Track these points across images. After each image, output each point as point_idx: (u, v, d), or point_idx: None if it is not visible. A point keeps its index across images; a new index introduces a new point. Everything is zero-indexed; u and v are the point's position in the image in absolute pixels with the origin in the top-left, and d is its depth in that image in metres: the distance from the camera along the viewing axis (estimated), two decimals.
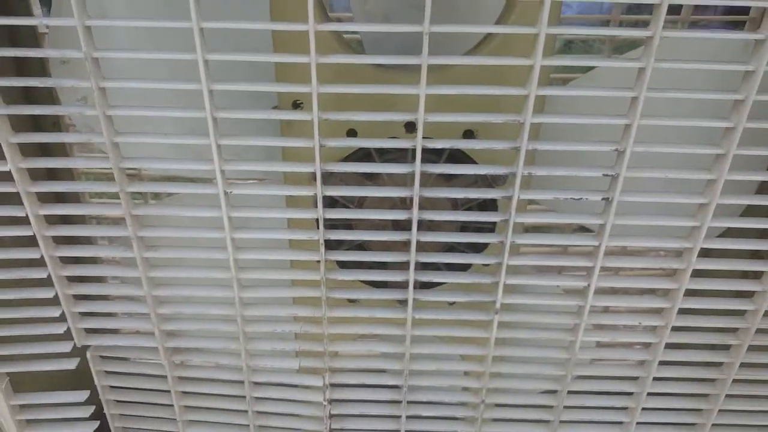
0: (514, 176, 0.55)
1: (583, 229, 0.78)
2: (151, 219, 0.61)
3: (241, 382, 0.72)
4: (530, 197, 0.56)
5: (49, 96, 0.76)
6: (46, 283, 0.63)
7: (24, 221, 0.60)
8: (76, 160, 0.58)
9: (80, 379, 0.89)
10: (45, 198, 0.59)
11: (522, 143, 0.52)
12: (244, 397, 0.74)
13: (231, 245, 0.60)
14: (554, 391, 0.72)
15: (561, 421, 0.74)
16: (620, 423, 0.75)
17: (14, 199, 0.59)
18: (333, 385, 0.72)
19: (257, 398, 0.74)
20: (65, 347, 0.68)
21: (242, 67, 0.51)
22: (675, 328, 0.66)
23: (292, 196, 0.65)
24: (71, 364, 0.70)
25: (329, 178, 0.59)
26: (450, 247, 0.64)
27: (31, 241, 0.61)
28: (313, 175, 0.60)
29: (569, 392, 0.72)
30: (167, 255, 0.61)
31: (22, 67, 0.72)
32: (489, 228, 0.63)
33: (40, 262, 0.62)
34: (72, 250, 0.61)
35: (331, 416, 0.75)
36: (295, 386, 0.75)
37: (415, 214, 0.56)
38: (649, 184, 0.57)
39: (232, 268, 0.61)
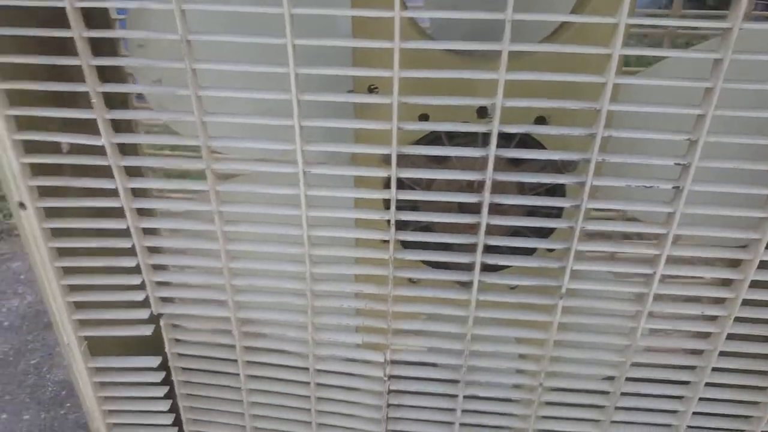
0: (585, 162, 0.56)
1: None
2: (229, 195, 0.64)
3: (305, 356, 0.75)
4: (602, 184, 0.56)
5: (120, 77, 0.79)
6: (130, 252, 0.67)
7: (111, 194, 0.63)
8: (163, 136, 0.61)
9: (147, 346, 0.93)
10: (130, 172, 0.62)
11: (598, 130, 0.53)
12: (307, 369, 0.77)
13: (306, 222, 0.62)
14: (611, 378, 0.74)
15: (617, 408, 0.75)
16: (675, 412, 0.75)
17: (101, 172, 0.63)
18: (394, 362, 0.75)
19: (319, 371, 0.77)
20: (143, 314, 0.72)
21: (310, 52, 0.52)
22: (737, 319, 0.66)
23: (360, 177, 0.66)
24: (148, 330, 0.73)
25: (400, 161, 0.61)
26: (515, 232, 0.66)
27: (118, 213, 0.64)
28: (385, 157, 0.62)
29: (626, 379, 0.73)
30: (245, 229, 0.64)
31: (96, 51, 0.76)
32: (555, 214, 0.64)
33: (125, 233, 0.65)
34: (157, 222, 0.64)
35: (390, 392, 0.77)
36: (356, 361, 0.78)
37: (487, 198, 0.58)
38: (715, 174, 0.57)
39: (305, 243, 0.64)
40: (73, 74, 0.56)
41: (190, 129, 0.66)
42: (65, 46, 0.58)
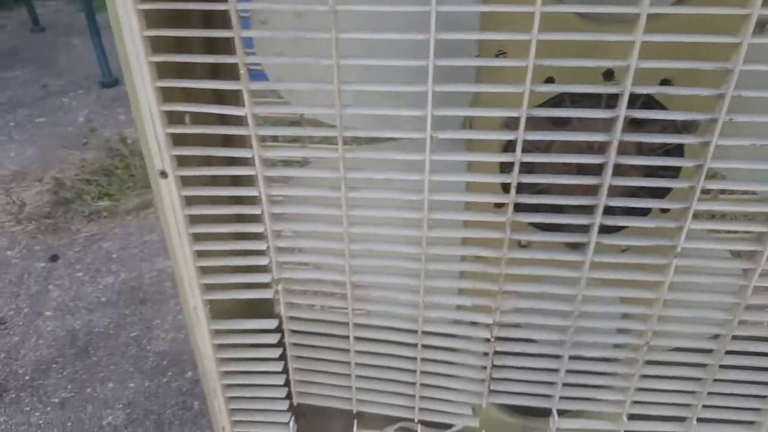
0: (710, 123, 0.58)
1: None
2: (352, 162, 0.67)
3: (414, 318, 0.78)
4: (728, 143, 0.58)
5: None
6: (257, 219, 0.71)
7: (244, 163, 0.67)
8: (297, 107, 0.65)
9: (257, 311, 0.98)
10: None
11: (728, 90, 0.55)
12: (415, 332, 0.80)
13: (427, 187, 0.65)
14: (716, 336, 0.75)
15: (721, 366, 0.77)
16: None
17: (237, 142, 0.67)
18: (501, 324, 0.78)
19: (427, 332, 0.80)
20: (264, 278, 0.76)
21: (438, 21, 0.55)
22: None
23: (475, 142, 0.69)
24: (268, 294, 0.78)
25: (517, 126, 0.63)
26: (630, 194, 0.68)
27: (248, 181, 0.69)
28: (506, 121, 0.64)
29: (732, 337, 0.74)
30: (368, 195, 0.68)
31: (207, 23, 0.80)
32: (672, 175, 0.66)
33: (254, 200, 0.69)
34: (286, 189, 0.68)
35: (496, 353, 0.80)
36: (463, 323, 0.81)
37: (612, 158, 0.60)
38: None
39: (425, 208, 0.67)
40: (218, 48, 0.60)
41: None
42: (208, 20, 0.62)
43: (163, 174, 0.66)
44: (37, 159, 1.95)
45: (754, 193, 0.76)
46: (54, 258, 1.47)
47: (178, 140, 0.66)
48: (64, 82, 2.67)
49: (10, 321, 1.29)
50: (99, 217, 1.61)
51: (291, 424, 0.90)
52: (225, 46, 0.62)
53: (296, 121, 0.75)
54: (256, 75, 0.63)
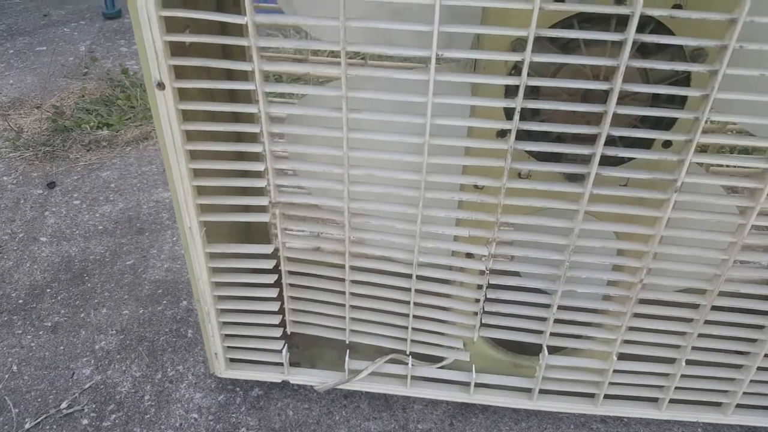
0: (717, 51, 0.57)
1: None
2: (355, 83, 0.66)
3: (410, 249, 0.78)
4: (739, 73, 0.57)
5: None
6: (255, 138, 0.70)
7: (242, 76, 0.66)
8: (299, 17, 0.63)
9: (253, 237, 0.98)
10: None
11: (741, 15, 0.53)
12: (410, 264, 0.80)
13: (430, 111, 0.64)
14: (710, 277, 0.75)
15: (713, 307, 0.77)
16: None
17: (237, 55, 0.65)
18: (497, 257, 0.77)
19: (422, 264, 0.80)
20: (262, 201, 0.76)
21: None
22: None
23: (480, 65, 0.67)
24: (265, 218, 0.77)
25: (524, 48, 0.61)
26: (633, 125, 0.67)
27: (246, 98, 0.67)
28: (513, 45, 0.63)
29: (726, 280, 0.74)
30: (368, 117, 0.66)
31: None
32: (676, 107, 0.65)
33: (252, 118, 0.68)
34: (288, 108, 0.67)
35: (490, 286, 0.81)
36: (458, 254, 0.81)
37: (618, 84, 0.58)
38: None
39: (427, 133, 0.66)
40: None
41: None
42: None
43: (160, 85, 0.65)
44: (36, 87, 1.92)
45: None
46: (51, 185, 1.46)
47: (176, 51, 0.64)
48: (66, 12, 2.61)
49: (4, 246, 1.29)
50: (98, 147, 1.59)
51: (284, 352, 0.91)
52: None
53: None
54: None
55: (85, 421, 0.94)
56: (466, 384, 0.91)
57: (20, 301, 1.16)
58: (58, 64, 2.01)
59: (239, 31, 0.74)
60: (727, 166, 0.70)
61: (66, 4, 2.73)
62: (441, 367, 0.91)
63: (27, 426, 0.93)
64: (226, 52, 0.81)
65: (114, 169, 1.52)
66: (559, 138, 0.68)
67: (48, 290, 1.18)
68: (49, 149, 1.59)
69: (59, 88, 1.93)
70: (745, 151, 1.36)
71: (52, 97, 1.85)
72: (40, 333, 1.09)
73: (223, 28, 0.78)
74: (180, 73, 0.66)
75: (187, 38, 0.62)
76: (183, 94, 0.67)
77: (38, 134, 1.66)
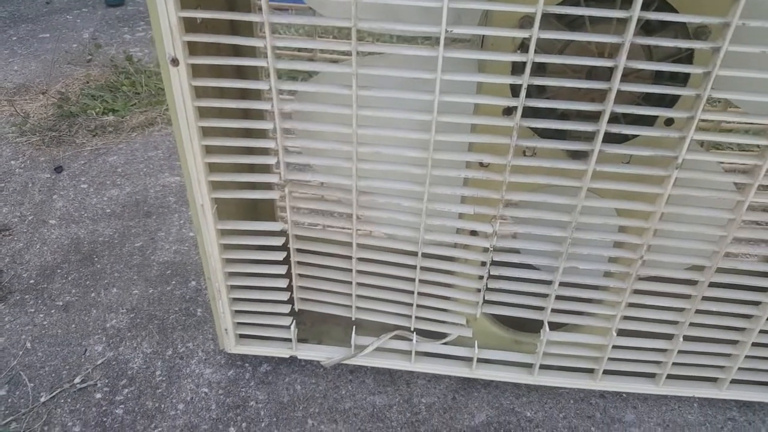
0: (720, 28, 0.59)
1: None
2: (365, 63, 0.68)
3: (416, 227, 0.80)
4: (740, 50, 0.58)
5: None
6: (264, 116, 0.72)
7: (252, 53, 0.68)
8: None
9: (258, 216, 1.00)
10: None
11: None
12: (416, 242, 0.82)
13: (438, 88, 0.66)
14: (709, 253, 0.77)
15: (711, 284, 0.80)
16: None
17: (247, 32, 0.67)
18: (501, 234, 0.79)
19: (427, 241, 0.82)
20: (272, 179, 0.78)
21: None
22: None
23: (488, 42, 0.69)
24: (275, 195, 0.79)
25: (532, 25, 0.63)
26: (636, 103, 0.68)
27: (255, 74, 0.69)
28: (522, 22, 0.64)
29: (726, 255, 0.76)
30: (378, 94, 0.68)
31: None
32: (679, 85, 0.67)
33: (263, 95, 0.70)
34: (296, 85, 0.68)
35: (493, 263, 0.83)
36: (463, 232, 0.83)
37: (622, 62, 0.60)
38: None
39: (434, 109, 0.68)
40: None
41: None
42: None
43: (174, 61, 0.66)
44: (40, 73, 1.93)
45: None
46: (59, 169, 1.47)
47: (190, 28, 0.66)
48: None
49: (14, 228, 1.31)
50: (104, 132, 1.61)
51: (292, 328, 0.93)
52: None
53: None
54: None
55: (98, 395, 0.96)
56: (469, 359, 0.93)
57: (32, 281, 1.18)
58: (62, 51, 2.02)
59: (248, 8, 0.76)
60: (728, 143, 0.72)
61: None
62: (444, 343, 0.93)
63: (42, 399, 0.95)
64: (234, 30, 0.83)
65: (120, 154, 1.54)
66: (564, 115, 0.70)
67: (59, 271, 1.20)
68: (55, 134, 1.61)
69: (64, 74, 1.94)
70: (744, 132, 1.38)
71: (57, 83, 1.87)
72: (52, 312, 1.11)
73: (231, 6, 0.79)
74: (192, 50, 0.68)
75: (202, 14, 0.63)
76: (194, 71, 0.69)
77: (44, 119, 1.68)
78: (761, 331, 0.84)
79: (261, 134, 0.74)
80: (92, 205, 1.38)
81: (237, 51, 0.83)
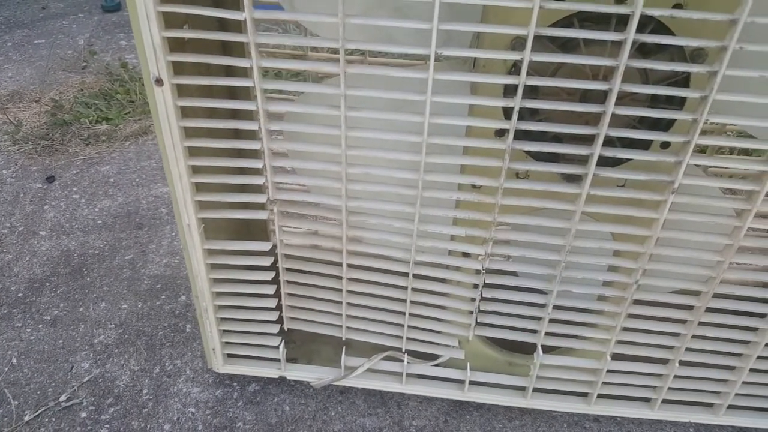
0: (717, 51, 0.57)
1: None
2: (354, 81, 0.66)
3: (407, 248, 0.78)
4: (736, 74, 0.57)
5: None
6: (253, 135, 0.70)
7: (242, 73, 0.66)
8: (298, 14, 0.62)
9: (251, 234, 0.98)
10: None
11: (742, 15, 0.53)
12: (407, 262, 0.80)
13: (428, 110, 0.64)
14: (706, 278, 0.76)
15: (707, 309, 0.78)
16: (765, 316, 0.77)
17: (236, 52, 0.65)
18: (493, 256, 0.78)
19: (419, 262, 0.80)
20: (260, 199, 0.76)
21: None
22: None
23: (480, 64, 0.67)
24: (263, 215, 0.78)
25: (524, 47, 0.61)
26: (632, 126, 0.67)
27: (245, 94, 0.67)
28: (514, 44, 0.63)
29: (722, 282, 0.75)
30: (367, 115, 0.66)
31: None
32: (675, 109, 0.65)
33: (251, 115, 0.68)
34: (286, 105, 0.67)
35: (486, 285, 0.81)
36: (455, 254, 0.81)
37: (617, 85, 0.59)
38: None
39: (425, 131, 0.66)
40: None
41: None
42: None
43: (159, 81, 0.65)
44: (35, 80, 1.92)
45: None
46: (50, 179, 1.46)
47: (175, 47, 0.64)
48: (65, 4, 2.60)
49: (3, 239, 1.29)
50: (97, 141, 1.59)
51: (281, 348, 0.91)
52: None
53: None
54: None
55: (83, 414, 0.94)
56: (461, 382, 0.92)
57: (20, 295, 1.16)
58: (57, 58, 2.01)
59: (238, 26, 0.74)
60: (726, 168, 0.70)
61: None
62: (436, 365, 0.92)
63: (26, 418, 0.93)
64: (225, 48, 0.81)
65: (113, 164, 1.52)
66: (557, 138, 0.69)
67: (47, 284, 1.18)
68: (48, 143, 1.59)
69: (58, 81, 1.93)
70: (745, 152, 1.36)
71: (50, 90, 1.85)
72: (40, 326, 1.09)
73: (222, 24, 0.78)
74: (178, 69, 0.66)
75: (186, 34, 0.62)
76: (181, 90, 0.67)
77: (37, 128, 1.66)
78: (759, 357, 0.82)
79: (250, 153, 0.73)
80: (83, 216, 1.36)
81: (228, 69, 0.81)
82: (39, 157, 1.54)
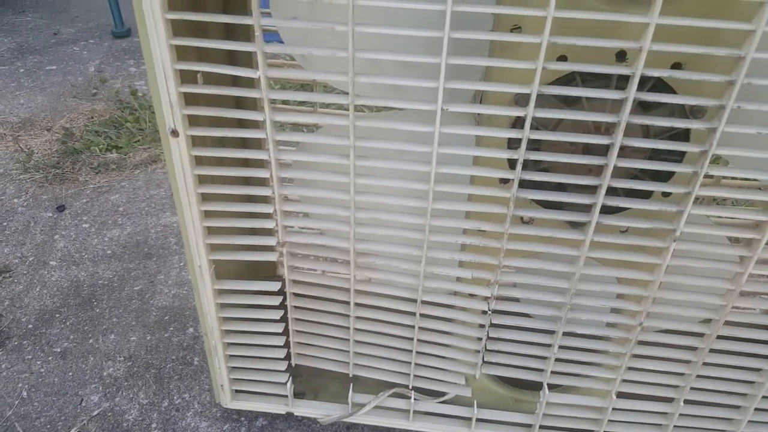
0: (716, 109, 0.59)
1: None
2: (361, 131, 0.68)
3: (414, 288, 0.80)
4: (735, 131, 0.59)
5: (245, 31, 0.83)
6: (264, 182, 0.72)
7: (253, 125, 0.68)
8: (310, 72, 0.64)
9: (260, 273, 1.00)
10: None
11: (739, 76, 0.55)
12: (414, 301, 0.81)
13: (435, 159, 0.66)
14: (709, 320, 0.77)
15: (711, 350, 0.79)
16: None
17: (248, 104, 0.67)
18: (499, 298, 0.79)
19: (425, 302, 0.82)
20: (270, 241, 0.78)
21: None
22: None
23: (484, 117, 0.69)
24: (273, 257, 0.79)
25: (528, 102, 0.63)
26: (634, 176, 0.68)
27: (257, 145, 0.69)
28: (517, 98, 0.65)
29: (725, 322, 0.76)
30: (376, 165, 0.68)
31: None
32: (675, 160, 0.66)
33: (262, 163, 0.70)
34: (297, 155, 0.68)
35: (492, 325, 0.82)
36: (461, 294, 0.82)
37: (619, 139, 0.60)
38: None
39: (431, 179, 0.68)
40: (233, 9, 0.60)
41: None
42: None
43: (174, 133, 0.67)
44: (46, 107, 1.95)
45: (755, 180, 0.76)
46: (61, 208, 1.48)
47: (190, 100, 0.66)
48: (76, 30, 2.65)
49: (14, 269, 1.31)
50: (107, 169, 1.61)
51: (288, 384, 0.92)
52: (241, 7, 0.62)
53: (307, 85, 0.75)
54: (271, 36, 0.63)
55: None
56: (468, 419, 0.92)
57: (30, 326, 1.17)
58: (68, 84, 2.04)
59: (251, 81, 0.76)
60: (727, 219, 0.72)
61: (76, 22, 2.77)
62: (443, 402, 0.93)
63: None
64: (238, 99, 0.83)
65: (123, 192, 1.54)
66: (561, 186, 0.70)
67: (57, 315, 1.20)
68: (58, 171, 1.62)
69: (69, 108, 1.96)
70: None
71: (61, 118, 1.88)
72: (50, 359, 1.11)
73: (235, 79, 0.80)
74: (193, 120, 0.68)
75: (201, 90, 0.64)
76: (195, 141, 0.69)
77: (48, 156, 1.69)
78: (764, 397, 0.83)
79: (260, 199, 0.74)
80: (93, 245, 1.38)
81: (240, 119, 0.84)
82: (50, 186, 1.57)
